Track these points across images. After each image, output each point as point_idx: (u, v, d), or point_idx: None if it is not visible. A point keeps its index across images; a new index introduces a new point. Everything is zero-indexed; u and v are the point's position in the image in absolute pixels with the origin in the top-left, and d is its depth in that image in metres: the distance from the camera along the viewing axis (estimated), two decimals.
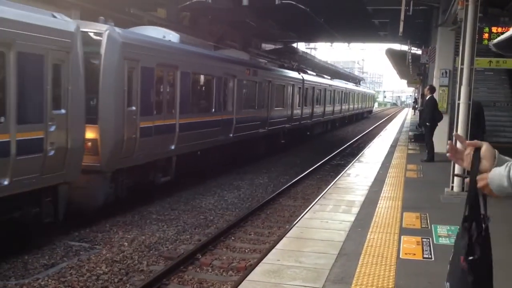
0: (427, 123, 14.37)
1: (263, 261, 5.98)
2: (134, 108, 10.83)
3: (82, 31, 9.25)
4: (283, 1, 17.08)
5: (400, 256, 6.02)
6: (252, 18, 23.77)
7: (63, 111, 8.75)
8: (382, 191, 9.98)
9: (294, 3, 17.81)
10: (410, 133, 23.51)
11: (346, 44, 36.22)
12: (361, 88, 60.77)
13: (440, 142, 14.71)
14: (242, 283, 5.38)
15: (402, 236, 6.83)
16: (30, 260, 8.10)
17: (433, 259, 6.00)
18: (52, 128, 8.45)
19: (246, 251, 9.19)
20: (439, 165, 13.45)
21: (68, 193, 9.17)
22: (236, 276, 7.81)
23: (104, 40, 9.99)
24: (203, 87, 15.32)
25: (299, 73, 26.89)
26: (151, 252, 8.79)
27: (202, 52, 14.86)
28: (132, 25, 13.89)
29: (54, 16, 8.75)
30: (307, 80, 27.48)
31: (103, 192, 10.37)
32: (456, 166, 4.16)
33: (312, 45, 45.89)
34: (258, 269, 5.68)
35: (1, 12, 7.48)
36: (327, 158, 20.98)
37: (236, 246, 9.42)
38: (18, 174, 7.75)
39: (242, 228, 10.56)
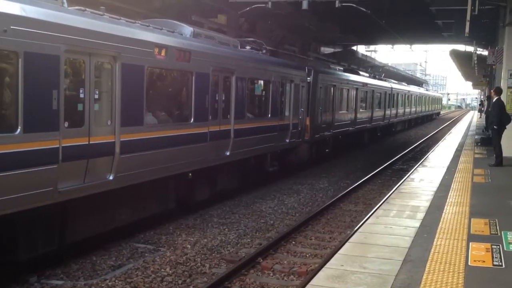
0: (495, 126, 13.85)
1: (326, 266, 5.92)
2: (320, 108, 19.41)
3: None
4: (343, 4, 16.86)
5: (469, 263, 5.81)
6: (311, 21, 23.69)
7: (302, 109, 17.05)
8: (448, 197, 9.68)
9: (354, 5, 17.60)
10: (477, 137, 22.72)
11: (407, 46, 35.40)
12: (431, 93, 67.68)
13: (508, 145, 14.14)
14: (305, 287, 5.35)
15: (470, 243, 6.60)
16: (98, 261, 8.38)
17: (503, 266, 5.77)
18: (300, 117, 16.84)
19: (307, 255, 9.15)
20: (508, 170, 12.93)
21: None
22: (298, 280, 7.78)
23: (312, 74, 18.38)
24: (346, 96, 23.33)
25: (388, 83, 33.91)
26: (213, 255, 8.90)
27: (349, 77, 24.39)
28: None
29: (299, 64, 18.85)
30: (394, 88, 34.65)
31: (309, 153, 18.89)
32: None
33: (372, 47, 45.28)
34: (321, 274, 5.63)
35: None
36: (388, 163, 20.59)
37: (297, 251, 9.39)
38: (292, 138, 16.20)
39: (302, 233, 10.52)
